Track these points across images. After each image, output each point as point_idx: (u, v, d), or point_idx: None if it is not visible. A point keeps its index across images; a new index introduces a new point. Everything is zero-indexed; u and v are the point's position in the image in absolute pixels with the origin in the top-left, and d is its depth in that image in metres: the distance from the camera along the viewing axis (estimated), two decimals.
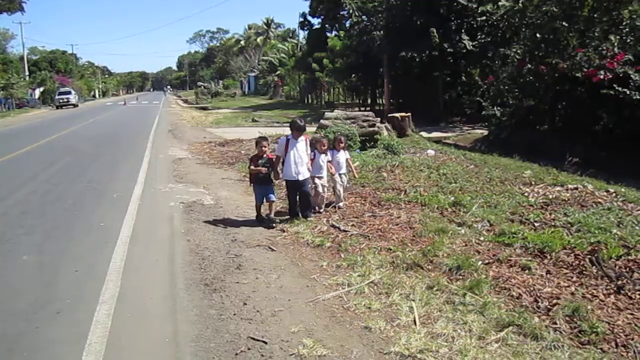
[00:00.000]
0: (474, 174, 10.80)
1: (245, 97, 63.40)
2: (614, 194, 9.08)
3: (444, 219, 7.68)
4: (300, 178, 7.85)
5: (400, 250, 6.45)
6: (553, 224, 7.28)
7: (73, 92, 61.08)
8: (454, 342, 4.39)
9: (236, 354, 4.31)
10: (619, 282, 5.47)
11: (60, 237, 7.62)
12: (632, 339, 4.44)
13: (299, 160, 7.82)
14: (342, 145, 9.07)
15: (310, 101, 49.21)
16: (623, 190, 9.48)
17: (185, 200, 9.68)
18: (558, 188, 9.53)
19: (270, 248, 6.89)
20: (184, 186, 11.05)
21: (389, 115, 18.79)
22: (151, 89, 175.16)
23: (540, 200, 8.59)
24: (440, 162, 11.93)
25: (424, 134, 19.99)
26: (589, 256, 6.08)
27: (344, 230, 7.40)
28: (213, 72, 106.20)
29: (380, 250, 6.56)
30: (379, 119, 15.13)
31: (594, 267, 5.83)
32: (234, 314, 5.03)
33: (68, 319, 5.02)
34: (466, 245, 6.65)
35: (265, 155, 8.04)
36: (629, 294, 5.29)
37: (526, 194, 9.02)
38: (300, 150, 7.85)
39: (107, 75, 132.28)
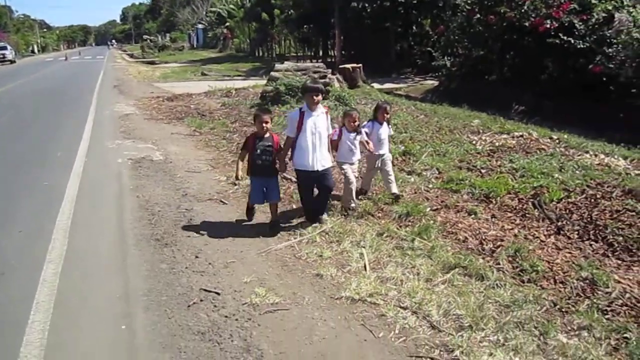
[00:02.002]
0: (424, 123, 10.93)
1: (193, 51, 61.44)
2: (557, 141, 9.40)
3: (394, 168, 7.76)
4: (319, 167, 5.66)
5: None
6: (499, 170, 7.51)
7: (9, 47, 57.56)
8: (403, 285, 4.53)
9: (189, 306, 4.32)
10: (559, 223, 5.72)
11: (1, 198, 7.33)
12: (570, 276, 4.68)
13: (318, 142, 5.64)
14: (387, 115, 6.74)
15: (261, 54, 48.19)
16: (566, 137, 9.81)
17: (133, 156, 9.44)
18: (505, 136, 9.78)
19: (221, 201, 6.85)
20: (131, 142, 10.76)
21: (340, 66, 18.64)
22: (94, 44, 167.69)
23: (488, 148, 8.80)
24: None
25: (375, 85, 19.96)
26: (531, 200, 6.33)
27: (295, 181, 7.38)
28: (159, 25, 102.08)
29: (331, 200, 6.60)
30: (330, 70, 15.01)
31: (536, 210, 6.07)
32: (186, 267, 5.01)
33: (13, 280, 4.89)
34: (415, 192, 6.79)
35: (267, 135, 5.78)
36: (568, 234, 5.55)
37: (474, 142, 9.22)
38: (320, 127, 5.65)
39: (45, 30, 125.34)
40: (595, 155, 8.32)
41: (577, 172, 7.33)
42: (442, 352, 3.66)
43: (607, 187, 6.65)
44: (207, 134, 11.13)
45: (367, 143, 6.26)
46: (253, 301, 4.35)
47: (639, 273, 4.79)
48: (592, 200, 6.26)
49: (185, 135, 11.34)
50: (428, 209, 6.16)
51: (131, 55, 58.90)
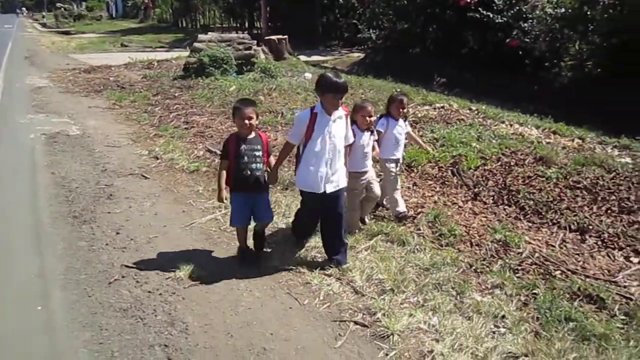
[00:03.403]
0: (350, 95, 11.00)
1: (112, 21, 58.50)
2: (476, 112, 9.76)
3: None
4: (331, 189, 4.23)
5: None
6: (421, 140, 7.70)
7: None
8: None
9: (110, 283, 4.20)
10: (476, 190, 5.99)
11: None
12: (485, 239, 4.94)
13: (332, 156, 4.17)
14: (403, 110, 5.42)
15: (184, 25, 46.62)
16: (484, 107, 10.21)
17: (47, 131, 8.95)
18: (427, 107, 10.05)
19: (143, 176, 6.65)
20: (45, 116, 10.18)
21: (266, 38, 18.40)
22: (0, 12, 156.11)
23: (410, 119, 8.99)
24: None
25: (302, 57, 19.89)
26: (451, 168, 6.57)
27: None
28: None
29: None
30: (255, 41, 14.78)
31: (455, 177, 6.32)
32: (106, 244, 4.86)
33: None
34: None
35: (253, 136, 4.34)
36: (484, 199, 5.82)
37: None
38: (337, 135, 4.18)
39: None
40: (511, 125, 8.73)
41: (493, 141, 7.66)
42: (365, 316, 3.77)
43: (521, 154, 7.00)
44: (127, 107, 10.72)
45: (375, 149, 5.13)
46: (177, 275, 4.29)
47: (547, 234, 5.12)
48: (507, 167, 6.59)
49: (104, 108, 10.87)
50: None
51: (44, 25, 55.30)
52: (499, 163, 6.72)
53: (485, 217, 5.42)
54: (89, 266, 4.47)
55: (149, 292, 4.09)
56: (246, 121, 4.22)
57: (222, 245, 4.85)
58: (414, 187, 6.11)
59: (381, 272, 4.25)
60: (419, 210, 5.48)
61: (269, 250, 4.73)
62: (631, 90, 12.82)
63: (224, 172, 4.32)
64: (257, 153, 4.30)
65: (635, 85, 12.97)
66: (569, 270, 4.43)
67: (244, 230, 4.53)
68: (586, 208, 5.52)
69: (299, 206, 4.80)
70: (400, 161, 5.53)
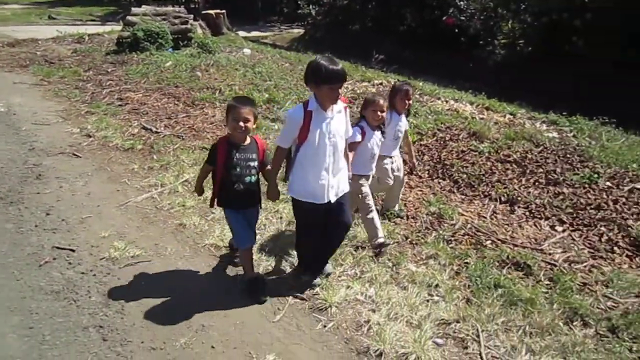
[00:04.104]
0: (289, 71, 10.95)
1: None
2: (413, 88, 9.90)
3: (258, 116, 7.73)
4: (334, 197, 3.62)
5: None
6: (359, 115, 7.77)
7: None
8: (267, 229, 4.66)
9: (40, 265, 4.05)
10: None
11: None
12: (420, 212, 5.08)
13: (333, 158, 3.55)
14: (408, 102, 4.82)
15: None
16: (421, 84, 10.39)
17: None
18: (365, 83, 10.12)
19: (74, 154, 6.39)
20: None
21: (203, 12, 17.93)
22: None
23: (349, 95, 9.06)
24: (256, 60, 11.86)
25: (241, 33, 19.52)
26: None
27: (156, 132, 7.11)
28: None
29: (194, 150, 6.48)
30: (192, 16, 14.36)
31: None
32: (36, 226, 4.66)
33: None
34: None
35: (248, 142, 3.67)
36: (420, 173, 5.97)
37: None
38: (337, 133, 3.53)
39: None
40: (446, 102, 8.93)
41: (429, 117, 7.83)
42: (303, 289, 3.82)
43: (455, 130, 7.19)
44: (56, 83, 10.20)
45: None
46: (112, 255, 4.19)
47: (479, 206, 5.32)
48: (442, 142, 6.77)
49: (31, 84, 10.31)
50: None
51: None
52: (435, 138, 6.89)
53: (421, 190, 5.57)
54: (17, 249, 4.28)
55: (82, 273, 3.98)
56: (241, 123, 3.47)
57: (159, 224, 4.76)
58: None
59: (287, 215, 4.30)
60: None
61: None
62: (560, 68, 13.39)
63: (204, 175, 3.79)
64: (252, 163, 3.62)
65: (563, 63, 13.56)
66: (498, 239, 4.63)
67: (250, 252, 3.86)
68: (515, 180, 5.76)
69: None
70: (400, 162, 4.95)
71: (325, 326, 3.46)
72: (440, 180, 5.83)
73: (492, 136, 6.86)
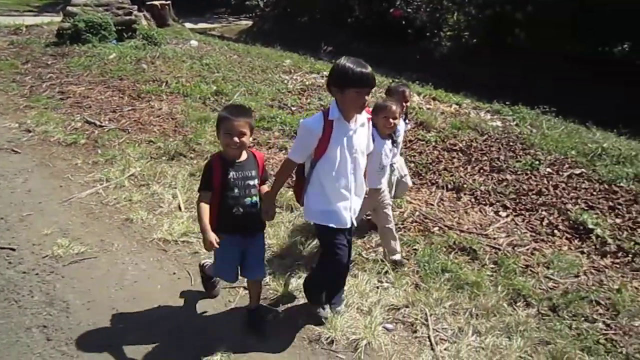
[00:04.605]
0: (237, 63, 10.82)
1: None
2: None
3: (206, 108, 7.65)
4: (354, 221, 3.26)
5: (162, 142, 6.30)
6: (308, 107, 7.80)
7: None
8: None
9: None
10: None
11: None
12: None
13: (355, 175, 3.14)
14: (406, 104, 4.42)
15: None
16: None
17: None
18: (314, 75, 10.11)
19: (13, 150, 6.12)
20: None
21: (148, 3, 17.46)
22: None
23: (298, 87, 9.04)
24: (204, 52, 11.65)
25: (188, 25, 19.14)
26: None
27: (101, 126, 6.90)
28: None
29: (140, 143, 6.32)
30: (136, 6, 13.93)
31: None
32: None
33: None
34: None
35: (245, 158, 3.16)
36: None
37: (285, 82, 9.39)
38: (359, 148, 3.12)
39: None
40: None
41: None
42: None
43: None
44: None
45: None
46: (55, 253, 4.06)
47: (427, 194, 5.43)
48: None
49: None
50: None
51: None
52: None
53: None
54: None
55: (24, 272, 3.85)
56: (235, 139, 2.96)
57: (105, 220, 4.64)
58: None
59: (270, 237, 4.29)
60: None
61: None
62: (503, 60, 13.80)
63: (206, 207, 3.05)
64: (251, 182, 3.11)
65: (506, 55, 13.97)
66: (445, 226, 4.74)
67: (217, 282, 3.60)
68: (461, 168, 5.91)
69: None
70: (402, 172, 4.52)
71: (275, 317, 3.47)
72: None
73: (439, 126, 7.00)
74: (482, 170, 5.88)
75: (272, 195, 3.19)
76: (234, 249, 3.17)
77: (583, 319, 3.62)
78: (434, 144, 6.46)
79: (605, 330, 3.55)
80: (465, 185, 5.52)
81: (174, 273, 3.93)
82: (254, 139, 6.51)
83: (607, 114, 9.09)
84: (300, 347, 3.20)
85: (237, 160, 3.08)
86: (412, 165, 5.93)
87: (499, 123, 7.35)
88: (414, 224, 4.75)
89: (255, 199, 3.14)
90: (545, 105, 8.31)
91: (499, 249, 4.41)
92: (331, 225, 3.08)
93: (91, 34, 11.56)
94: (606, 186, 5.45)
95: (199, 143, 6.26)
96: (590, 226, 4.75)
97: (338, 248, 3.15)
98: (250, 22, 22.50)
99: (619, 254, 4.47)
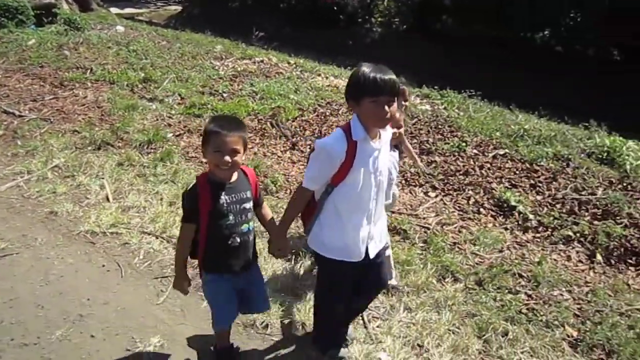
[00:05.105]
0: (166, 49, 10.53)
1: None
2: (294, 65, 9.96)
3: (134, 96, 7.40)
4: (374, 252, 2.75)
5: (88, 131, 6.06)
6: (240, 93, 7.71)
7: None
8: (146, 212, 4.48)
9: None
10: (294, 139, 6.19)
11: None
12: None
13: (374, 203, 2.66)
14: (405, 103, 4.09)
15: None
16: (302, 61, 10.45)
17: None
18: (246, 61, 9.99)
19: None
20: None
21: None
22: None
23: (230, 73, 8.91)
24: (131, 38, 11.24)
25: (114, 9, 18.41)
26: (270, 120, 6.68)
27: (20, 115, 6.55)
28: None
29: (64, 133, 6.06)
30: None
31: (274, 128, 6.45)
32: None
33: None
34: (157, 119, 6.61)
35: (236, 179, 2.66)
36: (301, 148, 6.06)
37: (216, 68, 9.24)
38: (384, 170, 2.64)
39: None
40: (326, 78, 9.09)
41: (310, 93, 7.92)
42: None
43: (335, 105, 7.35)
44: None
45: None
46: None
47: None
48: (322, 117, 6.90)
49: None
50: (170, 134, 6.09)
51: None
52: (315, 113, 7.00)
53: (303, 165, 5.65)
54: None
55: None
56: (227, 158, 2.48)
57: (27, 214, 4.43)
58: None
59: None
60: None
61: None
62: (431, 45, 14.14)
63: (188, 244, 2.65)
64: (246, 205, 2.66)
65: (434, 40, 14.33)
66: None
67: (226, 333, 2.96)
68: None
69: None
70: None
71: None
72: None
73: None
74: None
75: (284, 229, 2.74)
76: (228, 289, 2.71)
77: (507, 291, 3.81)
78: None
79: (527, 300, 3.76)
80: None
81: (103, 265, 3.81)
82: (185, 127, 6.40)
83: (528, 97, 9.53)
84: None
85: (228, 182, 2.60)
86: None
87: (428, 107, 7.54)
88: None
89: (252, 224, 2.71)
90: (471, 89, 8.59)
91: (429, 228, 4.56)
92: (340, 258, 2.64)
93: (6, 19, 10.92)
94: (528, 165, 5.71)
95: (127, 132, 6.06)
96: (513, 203, 4.99)
97: (336, 285, 2.77)
98: (179, 7, 21.90)
99: (540, 229, 4.73)
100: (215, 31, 14.00)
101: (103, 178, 4.99)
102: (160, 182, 4.98)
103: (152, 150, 5.68)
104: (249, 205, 2.67)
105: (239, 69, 9.20)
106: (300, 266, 3.88)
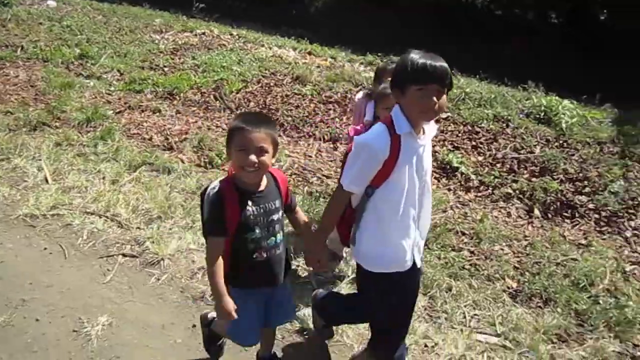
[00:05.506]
0: (103, 24, 10.14)
1: None
2: (236, 36, 9.79)
3: (70, 73, 7.14)
4: (419, 260, 2.45)
5: (22, 112, 5.82)
6: (182, 67, 7.55)
7: None
8: (88, 192, 4.37)
9: None
10: (238, 112, 6.13)
11: None
12: None
13: (422, 205, 2.38)
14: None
15: None
16: (244, 32, 10.28)
17: None
18: (187, 34, 9.75)
19: None
20: None
21: None
22: None
23: (171, 47, 8.69)
24: (64, 13, 10.76)
25: None
26: (213, 92, 6.59)
27: None
28: None
29: None
30: None
31: (218, 101, 6.37)
32: None
33: None
34: (96, 97, 6.41)
35: (266, 185, 2.30)
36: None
37: (156, 42, 8.99)
38: (429, 168, 2.37)
39: None
40: (270, 48, 8.98)
41: (254, 64, 7.83)
42: (133, 246, 3.72)
43: (279, 75, 7.30)
44: None
45: None
46: None
47: (305, 146, 5.54)
48: (267, 88, 6.85)
49: None
50: (110, 112, 5.92)
51: None
52: (260, 85, 6.94)
53: None
54: None
55: None
56: (253, 157, 2.12)
57: None
58: (177, 115, 6.02)
59: (147, 201, 4.18)
60: (183, 136, 5.45)
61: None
62: (376, 12, 14.14)
63: (221, 262, 2.23)
64: (275, 216, 2.32)
65: (379, 7, 14.32)
66: (324, 175, 4.89)
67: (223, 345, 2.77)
68: (337, 120, 6.07)
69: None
70: None
71: (158, 279, 3.43)
72: None
73: (315, 79, 7.09)
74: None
75: (322, 239, 2.43)
76: (255, 305, 2.39)
77: (450, 249, 3.95)
78: (310, 97, 6.56)
79: (469, 257, 3.91)
80: (341, 136, 5.68)
81: (45, 248, 3.71)
82: (125, 103, 6.23)
83: (469, 61, 9.71)
84: (184, 307, 3.20)
85: (257, 190, 2.25)
86: (290, 119, 5.99)
87: (372, 74, 7.56)
88: (294, 175, 4.85)
89: (281, 236, 2.36)
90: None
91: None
92: (391, 271, 2.34)
93: None
94: (469, 127, 5.86)
95: (64, 111, 5.86)
96: (456, 165, 5.13)
97: (397, 296, 2.42)
98: None
99: (481, 188, 4.89)
100: (154, 4, 13.54)
101: (40, 160, 4.81)
102: (102, 160, 4.86)
103: (92, 129, 5.51)
104: (277, 216, 2.32)
105: (180, 42, 8.99)
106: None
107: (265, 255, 2.29)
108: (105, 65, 7.41)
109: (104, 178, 4.58)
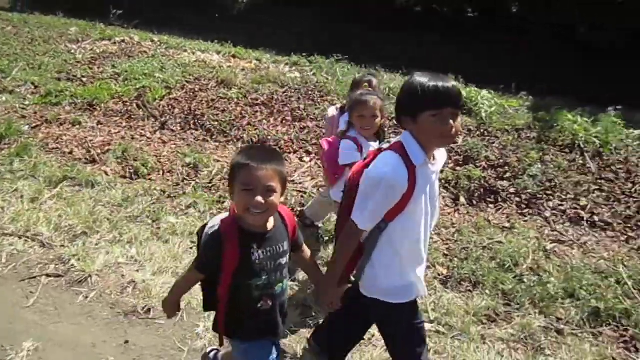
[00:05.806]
0: (13, 35, 9.66)
1: None
2: (158, 43, 9.58)
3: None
4: (423, 291, 2.35)
5: None
6: (101, 77, 7.31)
7: None
8: (5, 212, 4.16)
9: None
10: (163, 119, 6.02)
11: None
12: (176, 165, 5.07)
13: (427, 233, 2.27)
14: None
15: None
16: (166, 38, 10.07)
17: None
18: (106, 42, 9.44)
19: None
20: None
21: None
22: None
23: (88, 56, 8.39)
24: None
25: None
26: (136, 101, 6.43)
27: None
28: None
29: None
30: None
31: (141, 110, 6.22)
32: None
33: None
34: (9, 112, 6.10)
35: (272, 227, 2.07)
36: (172, 127, 5.92)
37: (73, 51, 8.65)
38: (437, 194, 2.29)
39: None
40: (193, 53, 8.84)
41: (177, 70, 7.68)
42: (57, 266, 3.58)
43: (204, 80, 7.21)
44: None
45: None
46: None
47: (233, 150, 5.50)
48: (191, 93, 6.75)
49: None
50: (26, 127, 5.66)
51: None
52: (184, 90, 6.83)
53: (175, 144, 5.53)
54: None
55: None
56: (259, 198, 1.90)
57: None
58: (99, 126, 5.82)
59: (70, 218, 4.03)
60: (106, 148, 5.28)
61: None
62: (299, 9, 14.22)
63: (190, 287, 2.25)
64: (282, 260, 2.11)
65: (302, 4, 14.42)
66: None
67: None
68: (265, 121, 6.07)
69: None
70: None
71: (87, 297, 3.31)
72: (193, 131, 5.85)
73: (240, 82, 7.04)
74: (284, 121, 6.10)
75: (334, 279, 2.26)
76: (266, 353, 2.17)
77: None
78: (236, 100, 6.51)
79: None
80: (269, 137, 5.69)
81: None
82: (42, 117, 5.96)
83: (394, 55, 9.96)
84: (115, 323, 3.11)
85: (265, 232, 2.04)
86: (216, 124, 5.94)
87: (297, 74, 7.62)
88: (222, 181, 4.80)
89: (287, 282, 2.18)
90: (340, 53, 8.75)
91: (305, 192, 4.67)
92: (407, 300, 2.25)
93: None
94: (394, 122, 5.99)
95: None
96: None
97: (419, 326, 2.35)
98: None
99: None
100: (69, 12, 13.04)
101: None
102: (19, 178, 4.63)
103: (6, 146, 5.24)
104: (285, 259, 2.11)
105: (98, 50, 8.70)
106: None
107: (270, 304, 2.09)
108: (17, 79, 7.06)
109: (22, 197, 4.36)
